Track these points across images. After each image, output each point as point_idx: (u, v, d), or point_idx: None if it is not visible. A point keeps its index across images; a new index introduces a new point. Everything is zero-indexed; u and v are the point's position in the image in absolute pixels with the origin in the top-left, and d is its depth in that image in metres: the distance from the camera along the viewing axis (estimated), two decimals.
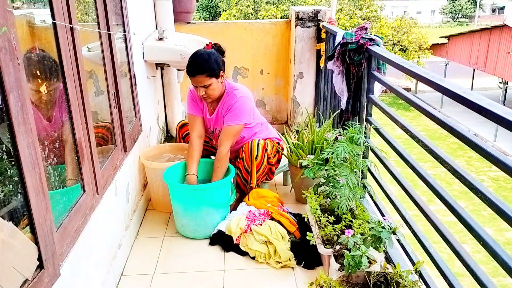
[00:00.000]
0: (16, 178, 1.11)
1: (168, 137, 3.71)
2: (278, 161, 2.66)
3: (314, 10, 3.59)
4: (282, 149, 2.66)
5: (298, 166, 2.45)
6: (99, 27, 1.91)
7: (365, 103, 2.24)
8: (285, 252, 2.10)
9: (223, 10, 21.95)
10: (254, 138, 2.46)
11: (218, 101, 2.45)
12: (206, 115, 2.53)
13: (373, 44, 2.14)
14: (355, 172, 2.08)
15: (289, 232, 2.23)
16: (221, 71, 2.34)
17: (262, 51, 3.93)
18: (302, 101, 3.78)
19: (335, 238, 1.86)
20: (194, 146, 2.45)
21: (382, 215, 2.07)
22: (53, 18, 1.41)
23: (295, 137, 2.90)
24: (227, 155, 2.40)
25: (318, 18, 3.57)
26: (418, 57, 18.46)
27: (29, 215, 1.15)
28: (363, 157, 2.20)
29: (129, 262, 2.16)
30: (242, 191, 2.53)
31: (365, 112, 2.25)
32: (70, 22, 1.51)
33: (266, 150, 2.45)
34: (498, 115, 1.08)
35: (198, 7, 24.96)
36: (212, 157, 2.82)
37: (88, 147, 1.66)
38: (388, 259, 1.89)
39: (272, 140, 2.60)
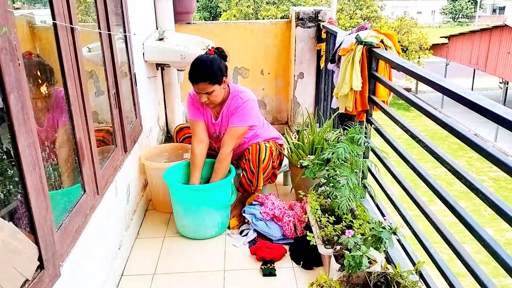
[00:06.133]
0: (17, 178, 1.11)
1: (169, 137, 3.71)
2: (280, 163, 2.66)
3: (315, 10, 3.59)
4: (284, 149, 2.66)
5: (299, 166, 2.45)
6: (99, 28, 1.92)
7: None
8: None
9: (224, 11, 21.95)
10: (261, 141, 2.44)
11: (221, 104, 2.42)
12: (211, 121, 2.49)
13: None
14: (356, 172, 2.08)
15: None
16: (224, 77, 2.31)
17: (263, 52, 3.93)
18: (302, 102, 3.78)
19: (336, 238, 1.86)
20: (197, 154, 2.40)
21: (383, 215, 2.07)
22: (54, 18, 1.40)
23: (295, 138, 2.90)
24: (228, 156, 2.37)
25: (319, 18, 3.57)
26: (419, 57, 18.45)
27: (30, 215, 1.15)
28: (364, 158, 2.20)
29: (129, 262, 2.16)
30: (246, 191, 2.52)
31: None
32: (71, 23, 1.51)
33: (272, 154, 2.45)
34: (499, 115, 1.08)
35: (198, 7, 24.96)
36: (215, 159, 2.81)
37: (88, 147, 1.66)
38: (389, 260, 1.89)
39: (275, 142, 2.60)
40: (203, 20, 22.60)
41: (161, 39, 3.07)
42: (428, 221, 1.57)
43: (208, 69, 2.25)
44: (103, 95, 2.02)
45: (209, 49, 2.38)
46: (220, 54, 2.37)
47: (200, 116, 2.48)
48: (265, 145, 2.41)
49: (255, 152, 2.39)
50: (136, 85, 2.55)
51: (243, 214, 2.43)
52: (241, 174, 2.47)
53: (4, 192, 1.09)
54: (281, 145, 2.65)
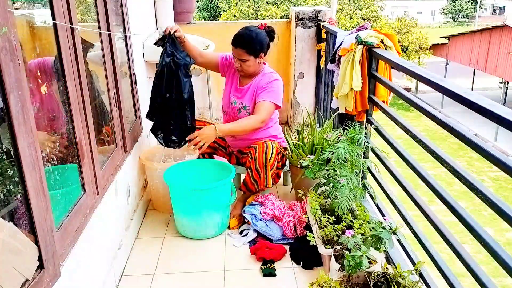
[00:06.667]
0: (17, 178, 1.11)
1: None
2: (283, 165, 2.66)
3: (315, 10, 3.59)
4: (287, 154, 2.65)
5: (299, 166, 2.45)
6: (99, 28, 1.92)
7: None
8: None
9: (224, 11, 21.96)
10: (267, 141, 2.45)
11: (251, 77, 2.52)
12: (236, 85, 2.56)
13: None
14: (356, 172, 2.08)
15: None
16: (262, 53, 2.42)
17: None
18: (302, 101, 3.78)
19: (336, 238, 1.86)
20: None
21: (383, 215, 2.07)
22: (54, 18, 1.41)
23: (295, 137, 2.90)
24: (256, 122, 2.39)
25: (319, 18, 3.57)
26: (419, 58, 18.46)
27: (29, 215, 1.15)
28: (364, 157, 2.20)
29: (129, 262, 2.16)
30: (249, 190, 2.51)
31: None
32: (71, 23, 1.51)
33: (277, 154, 2.46)
34: (499, 115, 1.08)
35: (198, 7, 24.95)
36: (215, 157, 2.80)
37: (88, 147, 1.66)
38: (389, 260, 1.89)
39: (280, 144, 2.60)
40: (203, 20, 22.59)
41: None
42: (428, 221, 1.57)
43: (250, 39, 2.36)
44: (103, 95, 2.02)
45: (260, 24, 2.48)
46: (269, 32, 2.47)
47: (223, 63, 2.60)
48: (272, 145, 2.43)
49: (262, 151, 2.39)
50: (136, 85, 2.55)
51: (243, 214, 2.43)
52: (246, 173, 2.47)
53: (4, 192, 1.09)
54: (285, 149, 2.65)
